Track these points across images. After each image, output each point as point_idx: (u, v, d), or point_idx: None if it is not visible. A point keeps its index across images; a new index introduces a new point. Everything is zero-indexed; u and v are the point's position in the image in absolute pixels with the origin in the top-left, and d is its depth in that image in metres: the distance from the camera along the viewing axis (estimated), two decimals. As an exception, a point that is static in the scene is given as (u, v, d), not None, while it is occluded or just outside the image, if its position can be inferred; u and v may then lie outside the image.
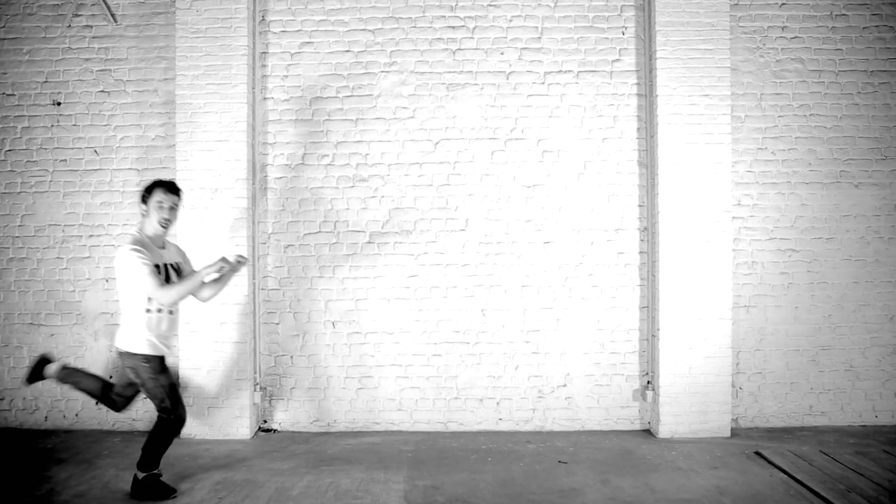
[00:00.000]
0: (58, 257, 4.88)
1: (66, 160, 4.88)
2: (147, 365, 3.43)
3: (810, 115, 4.84)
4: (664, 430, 4.57)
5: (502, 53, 4.84)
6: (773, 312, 4.84)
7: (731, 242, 4.65)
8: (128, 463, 4.07)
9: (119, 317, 4.76)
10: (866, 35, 4.84)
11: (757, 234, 4.83)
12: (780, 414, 4.84)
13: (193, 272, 3.55)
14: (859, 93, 4.84)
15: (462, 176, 4.84)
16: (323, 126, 4.85)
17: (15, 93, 4.89)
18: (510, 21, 4.83)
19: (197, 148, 4.62)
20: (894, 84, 4.85)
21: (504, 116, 4.83)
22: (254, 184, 4.76)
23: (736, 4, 4.79)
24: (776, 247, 4.84)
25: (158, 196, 3.47)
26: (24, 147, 4.89)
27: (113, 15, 4.81)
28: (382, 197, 4.84)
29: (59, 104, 4.88)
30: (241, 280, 4.59)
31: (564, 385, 4.81)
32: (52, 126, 4.88)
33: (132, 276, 3.33)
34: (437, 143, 4.85)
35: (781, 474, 3.80)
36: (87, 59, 4.87)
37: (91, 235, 4.87)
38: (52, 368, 3.76)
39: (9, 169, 4.89)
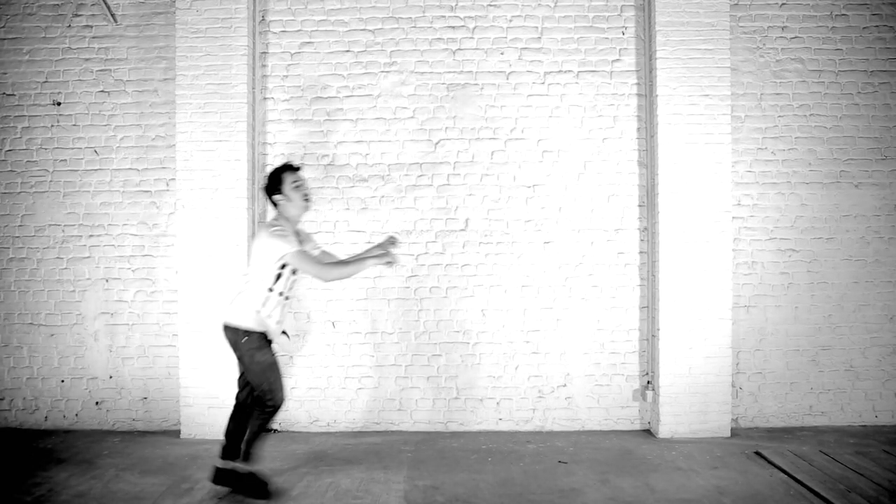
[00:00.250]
0: (58, 257, 4.88)
1: (66, 160, 4.88)
2: (249, 339, 3.38)
3: (810, 115, 4.84)
4: (664, 430, 4.57)
5: (502, 53, 4.84)
6: (773, 312, 4.84)
7: (731, 242, 4.65)
8: (128, 463, 4.08)
9: (116, 317, 4.75)
10: (866, 35, 4.84)
11: (757, 234, 4.83)
12: (780, 414, 4.84)
13: (360, 256, 3.58)
14: (859, 93, 4.84)
15: (462, 176, 4.84)
16: (323, 126, 4.85)
17: (15, 93, 4.89)
18: (510, 21, 4.83)
19: (197, 148, 4.63)
20: (894, 84, 4.85)
21: (504, 116, 4.83)
22: (254, 184, 4.76)
23: (736, 4, 4.79)
24: (776, 247, 4.84)
25: (292, 178, 3.50)
26: (24, 147, 4.89)
27: (113, 15, 4.81)
28: (382, 197, 4.84)
29: (59, 104, 4.88)
30: (241, 280, 4.59)
31: (564, 385, 4.81)
32: (52, 126, 4.88)
33: (277, 255, 3.32)
34: (437, 143, 4.85)
35: (781, 474, 3.80)
36: (87, 59, 4.87)
37: (91, 235, 4.87)
38: (240, 467, 3.52)
39: (9, 169, 4.89)
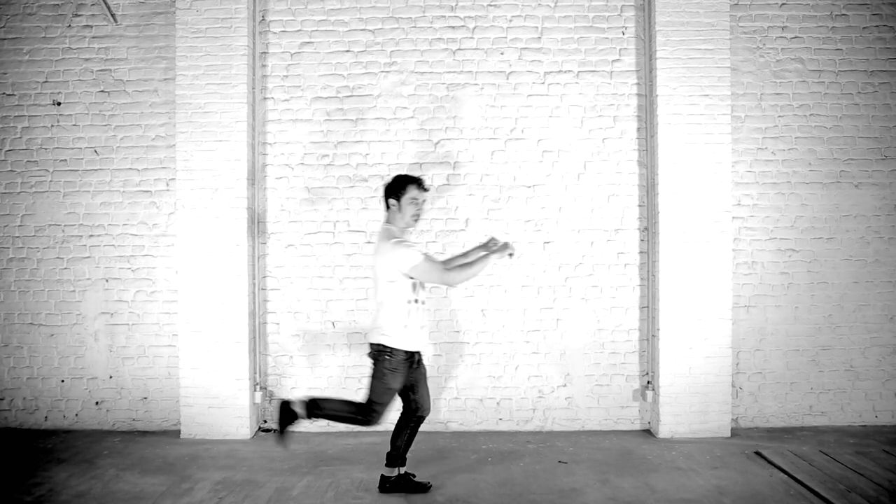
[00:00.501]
0: (58, 257, 4.88)
1: (66, 160, 4.88)
2: (391, 360, 3.36)
3: (810, 115, 4.84)
4: (664, 430, 4.57)
5: (502, 53, 4.84)
6: (773, 312, 4.84)
7: (731, 242, 4.65)
8: (128, 463, 4.08)
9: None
10: (866, 35, 4.84)
11: (757, 234, 4.83)
12: (780, 414, 4.84)
13: (479, 257, 3.49)
14: (859, 93, 4.84)
15: (462, 176, 4.84)
16: (323, 126, 4.85)
17: (15, 93, 4.89)
18: (510, 21, 4.83)
19: (197, 148, 4.62)
20: (894, 84, 4.85)
21: (504, 116, 4.83)
22: (254, 184, 4.76)
23: (736, 4, 4.79)
24: (776, 247, 4.84)
25: (413, 192, 3.47)
26: (24, 147, 4.89)
27: (113, 15, 4.81)
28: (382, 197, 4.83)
29: (59, 104, 4.88)
30: (240, 280, 4.59)
31: (564, 385, 4.81)
32: (52, 126, 4.88)
33: (406, 268, 3.30)
34: (437, 143, 4.85)
35: (781, 474, 3.80)
36: (87, 59, 4.87)
37: (91, 235, 4.87)
38: (297, 407, 3.52)
39: (9, 169, 4.89)
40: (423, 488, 3.59)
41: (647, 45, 4.75)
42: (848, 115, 4.84)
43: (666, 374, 4.57)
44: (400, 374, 3.39)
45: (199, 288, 4.59)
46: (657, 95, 4.59)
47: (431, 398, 4.79)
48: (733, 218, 4.74)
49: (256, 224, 4.80)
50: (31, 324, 4.88)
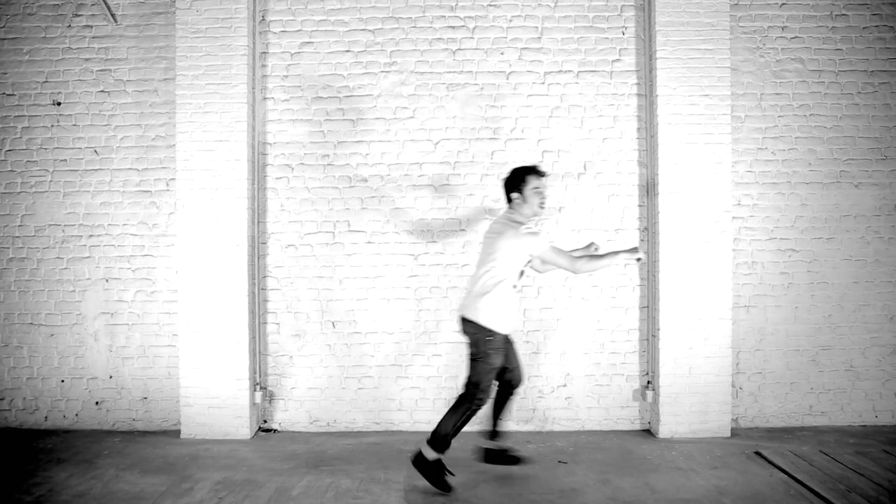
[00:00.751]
0: (58, 257, 4.88)
1: (66, 160, 4.88)
2: (492, 340, 3.56)
3: (810, 115, 4.84)
4: (664, 430, 4.57)
5: (502, 53, 4.84)
6: (773, 312, 4.84)
7: (731, 242, 4.65)
8: (128, 463, 4.08)
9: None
10: (866, 35, 4.84)
11: (757, 234, 4.83)
12: (780, 414, 4.84)
13: (609, 252, 3.68)
14: (859, 93, 4.84)
15: (462, 176, 4.84)
16: (323, 126, 4.85)
17: (15, 93, 4.89)
18: (510, 21, 4.83)
19: (197, 148, 4.63)
20: (894, 84, 4.85)
21: (504, 116, 4.83)
22: (254, 184, 4.76)
23: (736, 4, 4.79)
24: (776, 247, 4.84)
25: (534, 182, 3.61)
26: (24, 147, 4.89)
27: (113, 15, 4.81)
28: (382, 197, 4.84)
29: (59, 104, 4.88)
30: (240, 280, 4.59)
31: (564, 385, 4.81)
32: (52, 126, 4.88)
33: (536, 251, 3.50)
34: (437, 143, 4.85)
35: (781, 474, 3.80)
36: (87, 59, 4.87)
37: (91, 235, 4.87)
38: (429, 454, 3.59)
39: (9, 169, 4.89)
40: (520, 461, 3.85)
41: (647, 45, 4.75)
42: (848, 115, 4.84)
43: (666, 374, 4.57)
44: (501, 352, 3.62)
45: (199, 288, 4.59)
46: (657, 95, 4.60)
47: (433, 398, 4.82)
48: (733, 218, 4.74)
49: (256, 224, 4.80)
50: (31, 324, 4.88)
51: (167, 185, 4.85)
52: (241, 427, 4.61)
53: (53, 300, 4.88)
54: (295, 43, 4.85)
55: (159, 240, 4.86)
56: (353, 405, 4.84)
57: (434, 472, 3.58)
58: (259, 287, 4.80)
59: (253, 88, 4.76)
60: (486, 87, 4.84)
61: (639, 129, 4.81)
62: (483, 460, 3.91)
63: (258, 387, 4.74)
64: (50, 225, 4.88)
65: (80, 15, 4.87)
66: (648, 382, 4.77)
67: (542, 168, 3.74)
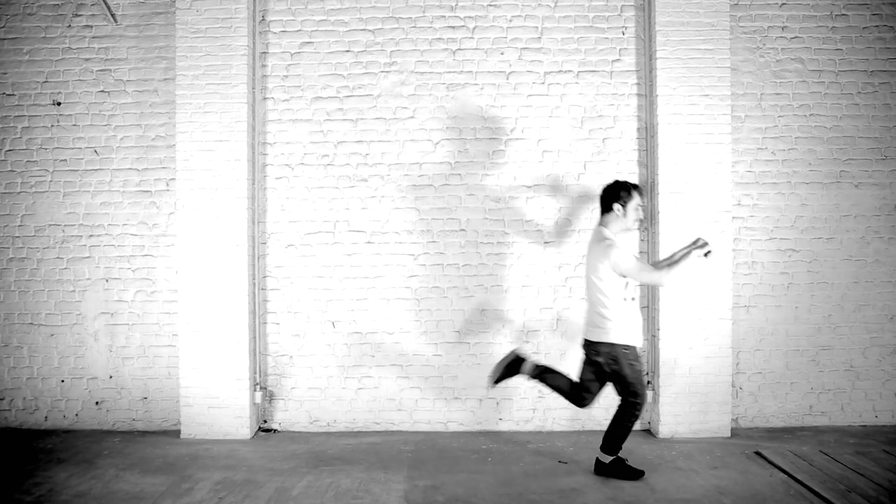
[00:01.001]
0: (58, 257, 4.88)
1: (66, 160, 4.88)
2: (627, 352, 3.66)
3: (810, 115, 4.84)
4: (664, 430, 4.57)
5: (502, 53, 4.84)
6: (773, 312, 4.84)
7: (731, 242, 4.66)
8: (128, 463, 4.08)
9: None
10: (866, 35, 4.84)
11: (757, 234, 4.83)
12: (780, 414, 4.84)
13: (681, 255, 3.74)
14: (859, 93, 4.84)
15: (462, 176, 4.84)
16: (323, 126, 4.85)
17: (15, 93, 4.89)
18: (510, 21, 4.83)
19: (197, 148, 4.63)
20: (894, 84, 4.85)
21: (504, 116, 4.83)
22: (254, 184, 4.76)
23: (736, 4, 4.79)
24: (776, 247, 4.84)
25: (637, 199, 3.77)
26: (24, 147, 4.89)
27: (113, 15, 4.81)
28: (382, 197, 4.84)
29: (59, 104, 4.88)
30: (240, 280, 4.59)
31: (564, 385, 4.81)
32: (52, 126, 4.88)
33: (620, 269, 3.59)
34: (437, 143, 4.85)
35: (781, 474, 3.80)
36: (87, 59, 4.87)
37: (91, 235, 4.87)
38: (526, 366, 3.97)
39: (9, 169, 4.89)
40: (638, 474, 3.78)
41: (647, 45, 4.75)
42: (848, 115, 4.84)
43: (666, 374, 4.57)
44: (639, 359, 3.73)
45: (199, 288, 4.59)
46: (657, 95, 4.60)
47: (433, 398, 4.81)
48: (733, 218, 4.74)
49: (256, 224, 4.80)
50: (31, 324, 4.88)
51: (167, 185, 4.85)
52: (241, 427, 4.61)
53: (53, 300, 4.88)
54: (295, 43, 4.85)
55: (159, 240, 4.86)
56: (353, 405, 4.84)
57: (620, 470, 3.76)
58: (259, 287, 4.81)
59: (253, 88, 4.76)
60: (486, 87, 4.84)
61: (639, 129, 4.81)
62: (599, 472, 3.85)
63: (258, 387, 4.74)
64: (50, 225, 4.88)
65: (80, 15, 4.87)
66: (648, 382, 4.77)
67: (644, 189, 3.96)
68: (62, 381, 4.87)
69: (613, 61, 4.82)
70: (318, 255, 4.84)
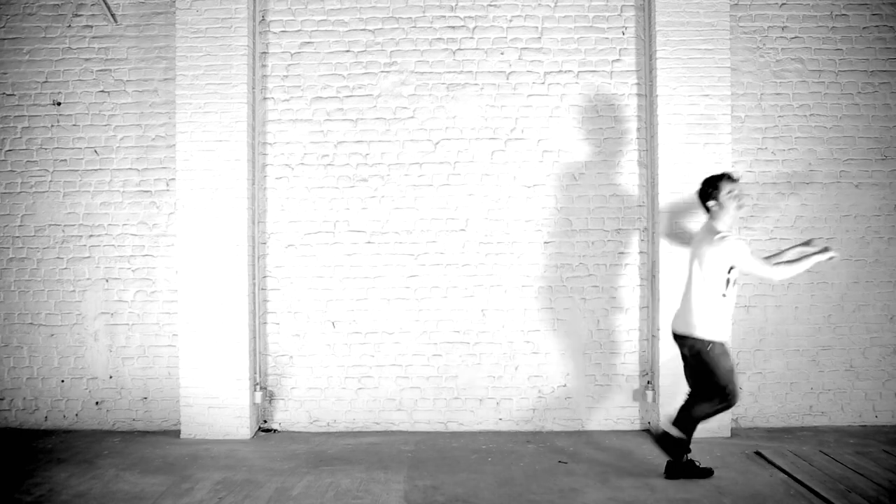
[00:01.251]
0: (58, 257, 4.88)
1: (66, 160, 4.88)
2: (710, 349, 3.63)
3: (810, 115, 4.84)
4: (664, 430, 4.57)
5: (502, 53, 4.84)
6: (773, 312, 4.84)
7: (731, 242, 4.65)
8: (128, 463, 4.08)
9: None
10: (866, 35, 4.84)
11: (757, 234, 4.83)
12: (780, 414, 4.84)
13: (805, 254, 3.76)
14: (859, 93, 4.84)
15: (462, 176, 4.84)
16: (323, 126, 4.85)
17: (15, 93, 4.89)
18: (510, 21, 4.83)
19: (197, 148, 4.63)
20: (894, 84, 4.85)
21: (504, 116, 4.83)
22: (254, 184, 4.76)
23: (736, 4, 4.79)
24: (776, 247, 4.83)
25: (729, 186, 3.71)
26: (24, 147, 4.89)
27: (113, 15, 4.81)
28: (382, 197, 4.84)
29: (59, 104, 4.88)
30: (240, 280, 4.59)
31: (564, 385, 4.82)
32: (52, 126, 4.88)
33: (736, 261, 3.60)
34: (437, 143, 4.85)
35: (781, 474, 3.80)
36: (87, 59, 4.87)
37: (91, 235, 4.87)
38: (674, 433, 3.75)
39: (9, 169, 4.89)
40: (708, 473, 3.77)
41: (647, 45, 4.75)
42: (848, 115, 4.84)
43: (666, 374, 4.57)
44: (727, 353, 3.68)
45: (199, 288, 4.59)
46: (657, 95, 4.59)
47: (433, 398, 4.82)
48: (733, 218, 4.73)
49: (256, 224, 4.80)
50: (31, 324, 4.88)
51: (167, 185, 4.85)
52: (241, 427, 4.61)
53: (53, 300, 4.88)
54: (295, 43, 4.85)
55: (159, 240, 4.86)
56: (353, 405, 4.84)
57: (677, 449, 3.72)
58: (259, 287, 4.81)
59: (253, 88, 4.76)
60: (486, 87, 4.84)
61: (639, 128, 4.81)
62: (670, 475, 3.79)
63: (258, 387, 4.74)
64: (50, 225, 4.88)
65: (80, 15, 4.87)
66: (648, 382, 4.77)
67: (735, 173, 3.88)
68: (62, 381, 4.87)
69: (613, 61, 4.82)
70: (318, 255, 4.84)
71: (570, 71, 4.82)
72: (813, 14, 4.83)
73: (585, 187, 4.81)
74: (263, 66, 4.85)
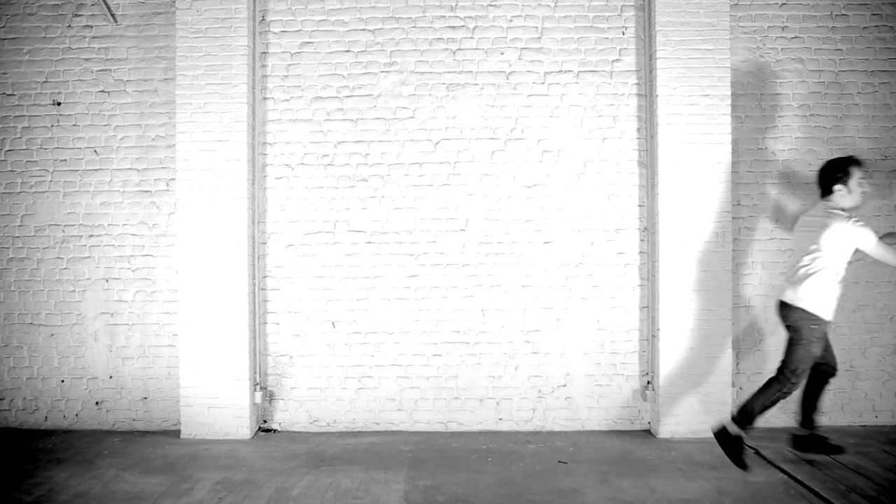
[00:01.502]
0: (58, 257, 4.88)
1: (66, 160, 4.88)
2: (817, 328, 3.71)
3: (810, 115, 4.84)
4: (664, 430, 4.57)
5: (502, 53, 4.84)
6: (774, 312, 4.83)
7: (731, 242, 4.65)
8: (128, 463, 4.08)
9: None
10: (866, 35, 4.84)
11: (757, 234, 4.83)
12: (780, 414, 4.84)
13: None
14: (859, 93, 4.84)
15: (462, 176, 4.84)
16: (323, 126, 4.86)
17: (15, 93, 4.89)
18: (510, 21, 4.83)
19: (197, 148, 4.63)
20: (894, 84, 4.85)
21: (504, 116, 4.83)
22: (254, 184, 4.76)
23: (736, 4, 4.79)
24: (776, 247, 4.84)
25: (859, 173, 3.79)
26: (24, 147, 4.89)
27: (113, 15, 4.81)
28: (382, 197, 4.84)
29: (59, 104, 4.88)
30: (240, 280, 4.59)
31: (564, 385, 4.82)
32: (52, 126, 4.88)
33: (864, 245, 3.66)
34: (437, 143, 4.85)
35: (781, 474, 3.80)
36: (87, 59, 4.88)
37: (91, 235, 4.87)
38: (731, 428, 3.86)
39: (9, 169, 4.89)
40: (839, 450, 3.90)
41: (647, 45, 4.75)
42: (848, 115, 4.84)
43: (666, 374, 4.57)
44: (822, 342, 3.75)
45: (199, 288, 4.59)
46: (657, 95, 4.60)
47: (433, 398, 4.82)
48: (733, 218, 4.74)
49: (256, 224, 4.80)
50: (31, 324, 4.88)
51: (167, 185, 4.85)
52: (241, 427, 4.61)
53: (53, 300, 4.88)
54: (295, 43, 4.85)
55: (159, 240, 4.86)
56: (353, 405, 4.84)
57: (734, 447, 3.79)
58: (259, 287, 4.81)
59: (253, 88, 4.76)
60: (486, 87, 4.84)
61: (639, 129, 4.81)
62: (793, 447, 4.02)
63: (258, 387, 4.74)
64: (50, 225, 4.88)
65: (80, 15, 4.87)
66: (648, 382, 4.77)
67: (861, 158, 3.92)
68: (62, 381, 4.87)
69: (613, 61, 4.82)
70: (318, 255, 4.84)
71: (570, 71, 4.82)
72: (813, 14, 4.83)
73: (585, 187, 4.81)
74: (263, 66, 4.85)
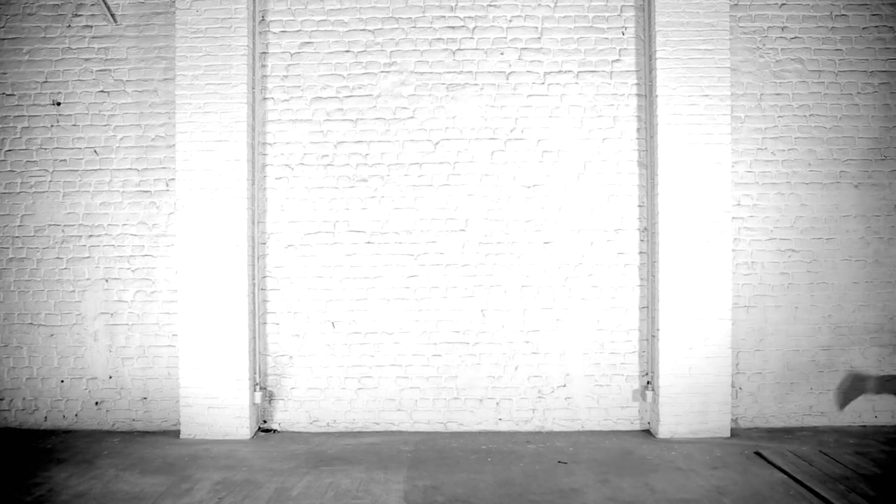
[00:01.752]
0: (57, 257, 4.88)
1: (65, 160, 4.88)
2: None
3: (810, 115, 4.84)
4: (664, 431, 4.57)
5: (502, 53, 4.84)
6: (773, 312, 4.84)
7: (731, 242, 4.65)
8: (128, 463, 4.08)
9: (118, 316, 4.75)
10: (866, 35, 4.84)
11: (757, 234, 4.83)
12: (780, 414, 4.84)
13: None
14: (859, 93, 4.84)
15: (462, 176, 4.84)
16: (323, 126, 4.86)
17: (15, 93, 4.89)
18: (510, 21, 4.83)
19: (197, 148, 4.63)
20: (894, 84, 4.85)
21: (504, 117, 4.83)
22: (253, 184, 4.76)
23: (736, 4, 4.79)
24: (776, 247, 4.84)
25: None
26: (24, 147, 4.89)
27: (113, 15, 4.81)
28: (382, 197, 4.84)
29: (59, 104, 4.88)
30: (240, 280, 4.59)
31: (564, 385, 4.82)
32: (52, 126, 4.88)
33: None
34: (436, 144, 4.85)
35: (781, 474, 3.80)
36: (87, 59, 4.88)
37: (91, 235, 4.87)
38: (869, 383, 3.97)
39: (9, 169, 4.89)
40: None
41: (647, 45, 4.75)
42: (848, 115, 4.84)
43: (666, 374, 4.57)
44: None
45: (199, 288, 4.59)
46: (657, 95, 4.60)
47: (433, 398, 4.82)
48: (733, 218, 4.74)
49: (256, 224, 4.80)
50: (31, 324, 4.88)
51: (167, 185, 4.85)
52: (240, 427, 4.61)
53: (53, 300, 4.88)
54: (295, 43, 4.85)
55: (159, 240, 4.86)
56: (352, 405, 4.84)
57: None
58: (259, 287, 4.81)
59: (253, 88, 4.76)
60: (486, 87, 4.84)
61: (639, 129, 4.81)
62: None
63: (258, 387, 4.74)
64: (50, 225, 4.89)
65: (80, 15, 4.87)
66: (648, 382, 4.78)
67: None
68: (62, 381, 4.87)
69: (613, 61, 4.82)
70: (318, 256, 4.84)
71: (569, 71, 4.82)
72: (813, 14, 4.83)
73: (585, 187, 4.81)
74: (263, 66, 4.85)
